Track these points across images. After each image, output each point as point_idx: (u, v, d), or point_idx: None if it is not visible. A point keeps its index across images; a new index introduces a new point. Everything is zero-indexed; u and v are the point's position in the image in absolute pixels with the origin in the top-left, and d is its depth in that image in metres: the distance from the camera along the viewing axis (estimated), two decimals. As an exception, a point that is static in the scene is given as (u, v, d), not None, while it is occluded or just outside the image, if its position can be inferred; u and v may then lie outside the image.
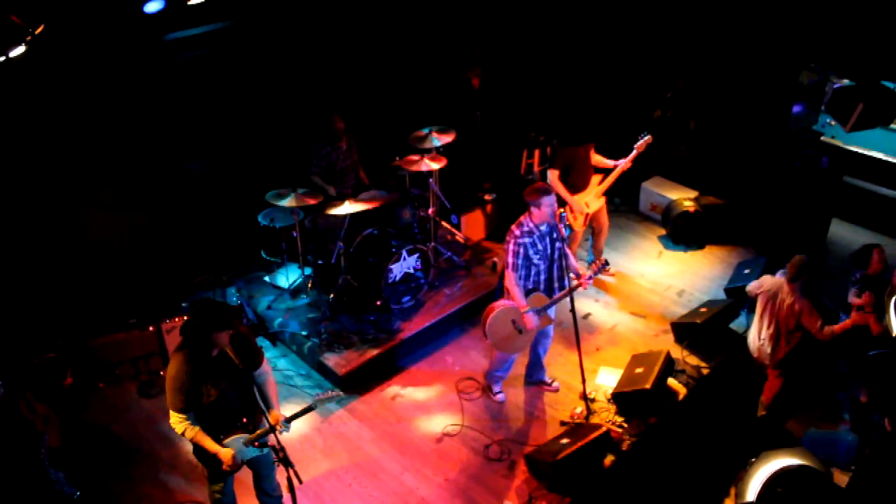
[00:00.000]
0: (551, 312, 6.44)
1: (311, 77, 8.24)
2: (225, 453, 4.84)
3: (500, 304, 6.25)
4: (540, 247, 6.07)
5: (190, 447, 5.13)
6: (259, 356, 5.02)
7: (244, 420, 4.93)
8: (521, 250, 6.01)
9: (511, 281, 6.10)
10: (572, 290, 6.15)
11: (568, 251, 6.33)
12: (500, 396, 6.83)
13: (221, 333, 4.64)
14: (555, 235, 6.13)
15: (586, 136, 7.69)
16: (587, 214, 7.80)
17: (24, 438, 5.54)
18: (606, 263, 6.26)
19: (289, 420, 4.93)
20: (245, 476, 5.47)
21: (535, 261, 6.10)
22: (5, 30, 4.61)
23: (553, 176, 7.63)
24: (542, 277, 6.22)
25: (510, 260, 6.06)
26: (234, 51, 7.55)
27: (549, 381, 6.95)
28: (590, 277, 6.17)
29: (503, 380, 6.84)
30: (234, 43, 7.48)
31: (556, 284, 6.28)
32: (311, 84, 8.26)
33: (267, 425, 4.84)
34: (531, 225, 6.03)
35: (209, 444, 4.82)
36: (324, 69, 8.30)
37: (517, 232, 6.05)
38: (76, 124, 6.73)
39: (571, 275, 6.19)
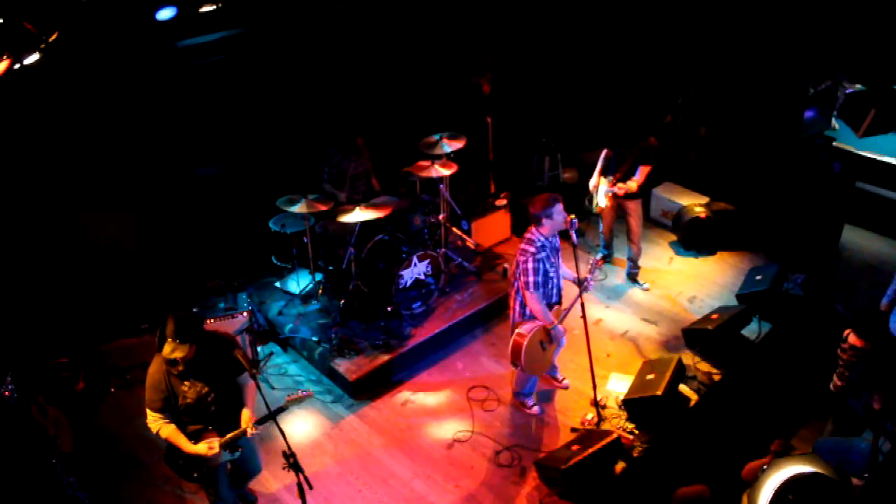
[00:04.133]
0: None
1: (321, 83, 8.27)
2: (201, 449, 4.88)
3: (527, 332, 6.02)
4: (553, 259, 6.01)
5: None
6: (240, 366, 4.92)
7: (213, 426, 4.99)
8: (541, 266, 5.88)
9: (535, 301, 5.92)
10: (577, 299, 6.11)
11: (561, 262, 6.26)
12: (536, 409, 6.75)
13: (175, 351, 4.61)
14: (557, 246, 6.09)
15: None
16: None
17: (36, 443, 5.57)
18: (596, 266, 6.23)
19: (259, 422, 4.96)
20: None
21: (552, 274, 6.02)
22: (20, 37, 4.65)
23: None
24: (553, 290, 6.16)
25: (532, 279, 5.87)
26: (246, 57, 7.59)
27: (561, 377, 6.94)
28: (587, 279, 6.13)
29: (533, 393, 6.80)
30: (245, 50, 7.52)
31: (560, 294, 6.28)
32: (321, 90, 8.29)
33: (240, 429, 4.93)
34: (542, 239, 5.92)
35: (184, 443, 4.88)
36: (334, 75, 8.33)
37: (532, 249, 5.88)
38: (89, 130, 6.78)
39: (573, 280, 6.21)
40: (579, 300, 6.12)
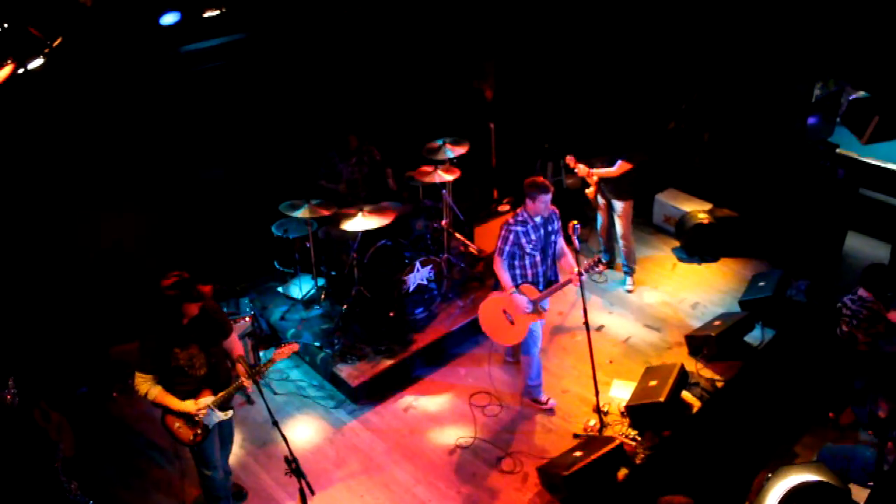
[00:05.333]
0: (544, 305, 6.53)
1: (324, 88, 8.27)
2: (189, 406, 5.05)
3: (495, 293, 6.42)
4: (533, 237, 6.18)
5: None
6: (227, 327, 5.30)
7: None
8: (512, 237, 6.14)
9: (498, 265, 6.24)
10: (563, 285, 6.28)
11: (567, 249, 6.40)
12: (551, 402, 6.81)
13: (191, 305, 4.90)
14: (549, 228, 6.25)
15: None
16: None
17: (39, 447, 5.57)
18: (599, 261, 6.28)
19: (253, 367, 5.24)
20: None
21: (529, 250, 6.20)
22: (24, 42, 4.66)
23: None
24: (539, 270, 6.32)
25: (500, 245, 6.21)
26: (249, 62, 7.60)
27: (545, 399, 6.87)
28: (580, 273, 6.15)
29: (541, 386, 6.81)
30: (248, 55, 7.53)
31: (551, 279, 6.43)
32: (324, 95, 8.30)
33: (235, 384, 5.17)
34: (525, 215, 6.18)
35: (172, 401, 5.04)
36: (337, 80, 8.33)
37: (511, 220, 6.20)
38: (93, 135, 6.79)
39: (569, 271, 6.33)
40: (560, 288, 6.32)
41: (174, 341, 4.98)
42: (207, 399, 5.10)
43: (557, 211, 6.31)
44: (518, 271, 6.30)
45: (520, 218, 6.20)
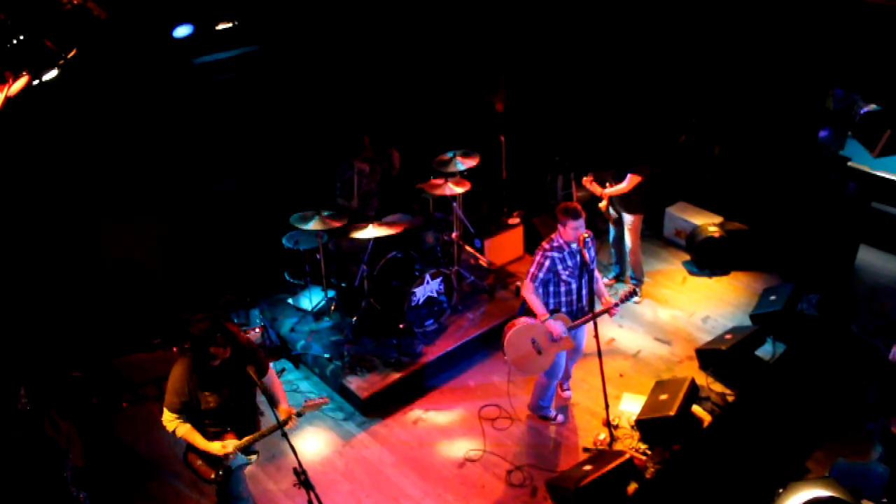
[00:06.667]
0: (580, 339, 6.45)
1: (336, 101, 8.32)
2: (216, 447, 4.94)
3: (521, 321, 6.18)
4: (570, 263, 6.03)
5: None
6: (263, 366, 5.14)
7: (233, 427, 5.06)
8: (548, 263, 5.98)
9: (530, 290, 6.05)
10: (598, 314, 6.11)
11: (598, 275, 6.30)
12: (560, 418, 6.79)
13: (218, 348, 4.77)
14: (590, 257, 6.12)
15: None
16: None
17: (49, 457, 5.58)
18: (635, 292, 6.25)
19: (300, 414, 5.10)
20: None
21: (565, 277, 6.05)
22: (39, 54, 4.70)
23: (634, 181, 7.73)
24: (574, 297, 6.16)
25: (533, 270, 6.03)
26: (262, 75, 7.65)
27: (565, 386, 6.97)
28: (616, 304, 6.14)
29: (550, 408, 6.79)
30: (260, 67, 7.59)
31: (585, 307, 6.23)
32: (336, 108, 8.34)
33: (261, 431, 5.08)
34: (561, 241, 6.02)
35: (200, 440, 4.95)
36: (349, 93, 8.38)
37: (546, 245, 6.04)
38: (105, 146, 6.84)
39: (602, 300, 6.25)
40: (593, 318, 6.11)
41: (204, 385, 4.88)
42: (229, 442, 4.98)
43: (592, 236, 6.08)
44: (552, 299, 6.14)
45: (555, 244, 6.02)
